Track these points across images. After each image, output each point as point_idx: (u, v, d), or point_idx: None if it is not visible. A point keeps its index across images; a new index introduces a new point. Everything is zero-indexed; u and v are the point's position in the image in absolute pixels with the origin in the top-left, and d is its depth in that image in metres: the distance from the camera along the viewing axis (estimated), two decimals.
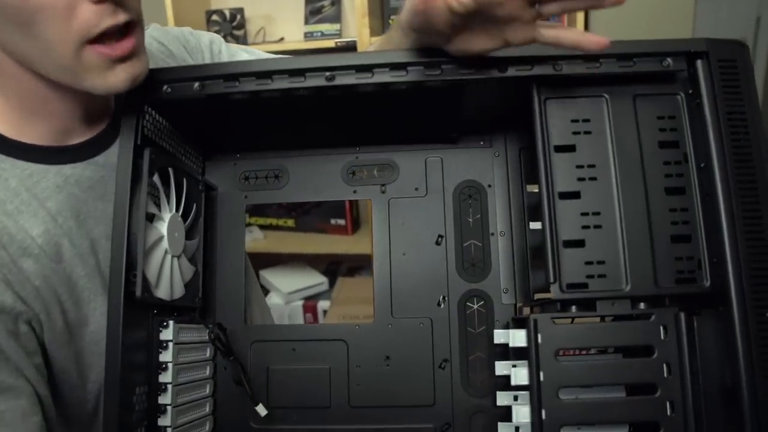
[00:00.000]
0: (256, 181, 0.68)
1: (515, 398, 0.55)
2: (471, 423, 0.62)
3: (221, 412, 0.64)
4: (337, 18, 1.80)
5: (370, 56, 0.54)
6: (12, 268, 0.51)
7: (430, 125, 0.63)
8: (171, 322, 0.57)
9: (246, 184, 0.68)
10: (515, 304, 0.63)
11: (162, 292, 0.56)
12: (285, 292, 1.90)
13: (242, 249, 0.68)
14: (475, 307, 0.64)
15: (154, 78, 0.54)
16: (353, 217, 1.93)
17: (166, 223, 0.57)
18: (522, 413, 0.53)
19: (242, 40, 1.83)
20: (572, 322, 0.52)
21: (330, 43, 1.76)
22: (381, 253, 0.66)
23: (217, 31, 1.54)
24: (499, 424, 0.55)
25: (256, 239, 1.95)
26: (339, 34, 1.79)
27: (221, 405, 0.64)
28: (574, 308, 0.52)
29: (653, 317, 0.50)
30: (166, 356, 0.56)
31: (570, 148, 0.53)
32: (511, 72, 0.52)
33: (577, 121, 0.53)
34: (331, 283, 1.98)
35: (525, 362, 0.52)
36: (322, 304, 1.90)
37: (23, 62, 0.50)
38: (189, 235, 0.62)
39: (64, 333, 0.55)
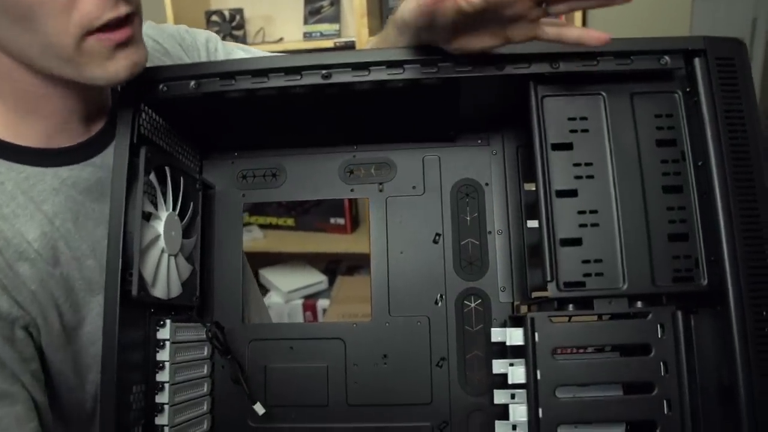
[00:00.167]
0: (253, 180, 0.68)
1: (512, 396, 0.55)
2: (468, 421, 0.62)
3: (219, 411, 0.64)
4: (336, 18, 1.80)
5: (366, 54, 0.54)
6: (8, 272, 0.50)
7: (427, 123, 0.63)
8: (168, 321, 0.57)
9: (243, 182, 0.68)
10: (512, 303, 0.63)
11: (159, 291, 0.56)
12: (285, 291, 1.90)
13: (240, 247, 0.67)
14: (473, 305, 0.63)
15: (150, 76, 0.54)
16: (352, 216, 1.93)
17: (162, 222, 0.57)
18: (519, 411, 0.53)
19: (242, 41, 1.83)
20: (569, 320, 0.52)
21: (329, 43, 1.76)
22: (378, 251, 0.65)
23: (216, 32, 1.53)
24: (497, 422, 0.55)
25: (255, 238, 1.95)
26: (338, 35, 1.79)
27: (219, 403, 0.64)
28: (571, 307, 0.52)
29: (650, 316, 0.50)
30: (163, 355, 0.56)
31: (567, 146, 0.53)
32: (509, 70, 0.52)
33: (574, 119, 0.53)
34: (331, 282, 1.98)
35: (522, 360, 0.52)
36: (322, 303, 1.90)
37: (20, 58, 0.50)
38: (186, 233, 0.62)
39: (61, 336, 0.54)
